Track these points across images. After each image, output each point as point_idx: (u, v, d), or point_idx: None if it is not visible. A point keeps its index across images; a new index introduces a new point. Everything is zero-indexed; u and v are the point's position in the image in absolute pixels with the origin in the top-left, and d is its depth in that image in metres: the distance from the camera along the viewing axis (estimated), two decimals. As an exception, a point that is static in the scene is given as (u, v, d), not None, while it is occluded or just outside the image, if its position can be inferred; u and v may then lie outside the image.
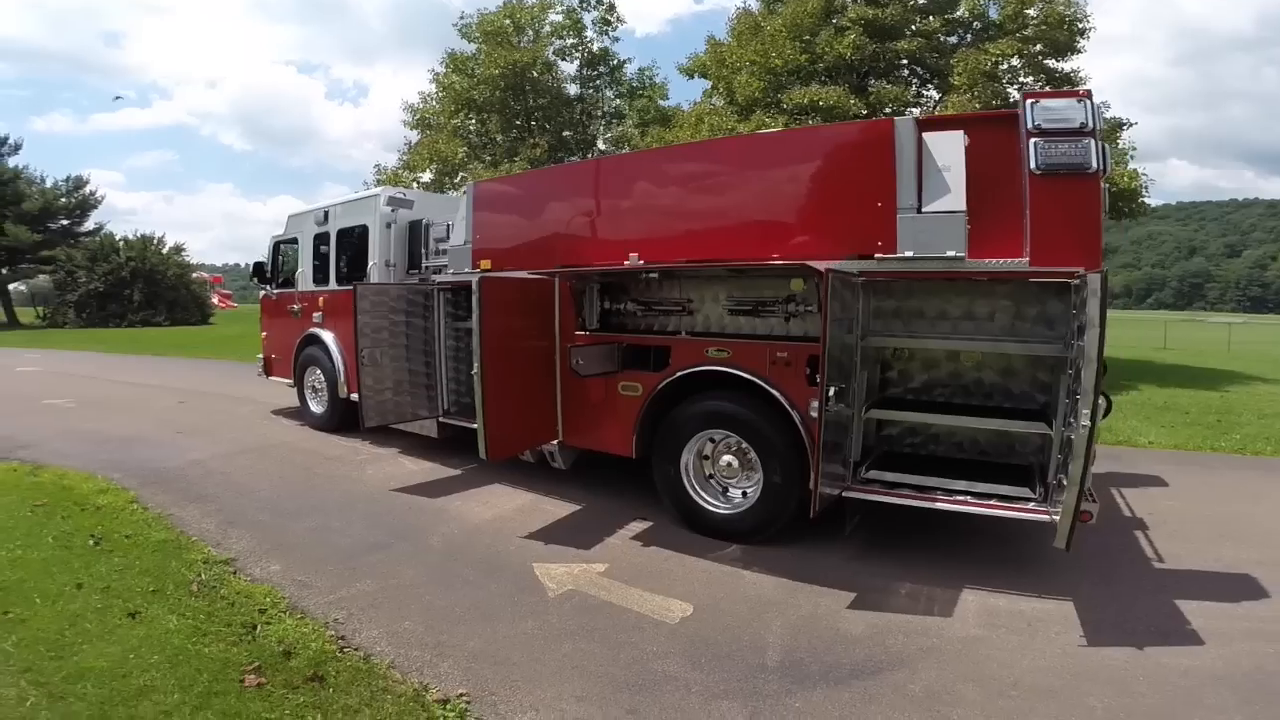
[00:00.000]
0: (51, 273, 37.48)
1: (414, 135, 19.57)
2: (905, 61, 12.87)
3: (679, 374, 4.65)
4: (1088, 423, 2.99)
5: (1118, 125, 12.33)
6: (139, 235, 39.88)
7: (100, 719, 2.48)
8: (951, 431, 4.34)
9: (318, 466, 6.92)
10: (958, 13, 12.70)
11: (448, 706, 2.64)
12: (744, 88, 12.59)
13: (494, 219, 5.96)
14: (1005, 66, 11.88)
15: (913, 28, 12.40)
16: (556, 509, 5.38)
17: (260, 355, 10.15)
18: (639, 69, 19.05)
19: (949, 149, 3.83)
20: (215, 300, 49.96)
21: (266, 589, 3.83)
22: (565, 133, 18.78)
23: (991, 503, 3.68)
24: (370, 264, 7.78)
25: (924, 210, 3.79)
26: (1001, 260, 3.74)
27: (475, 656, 3.08)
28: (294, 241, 9.24)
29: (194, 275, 44.77)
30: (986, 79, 11.74)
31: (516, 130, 18.91)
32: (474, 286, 4.65)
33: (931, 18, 12.37)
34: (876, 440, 4.56)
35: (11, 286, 41.51)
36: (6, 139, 38.78)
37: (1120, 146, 11.94)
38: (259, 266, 9.95)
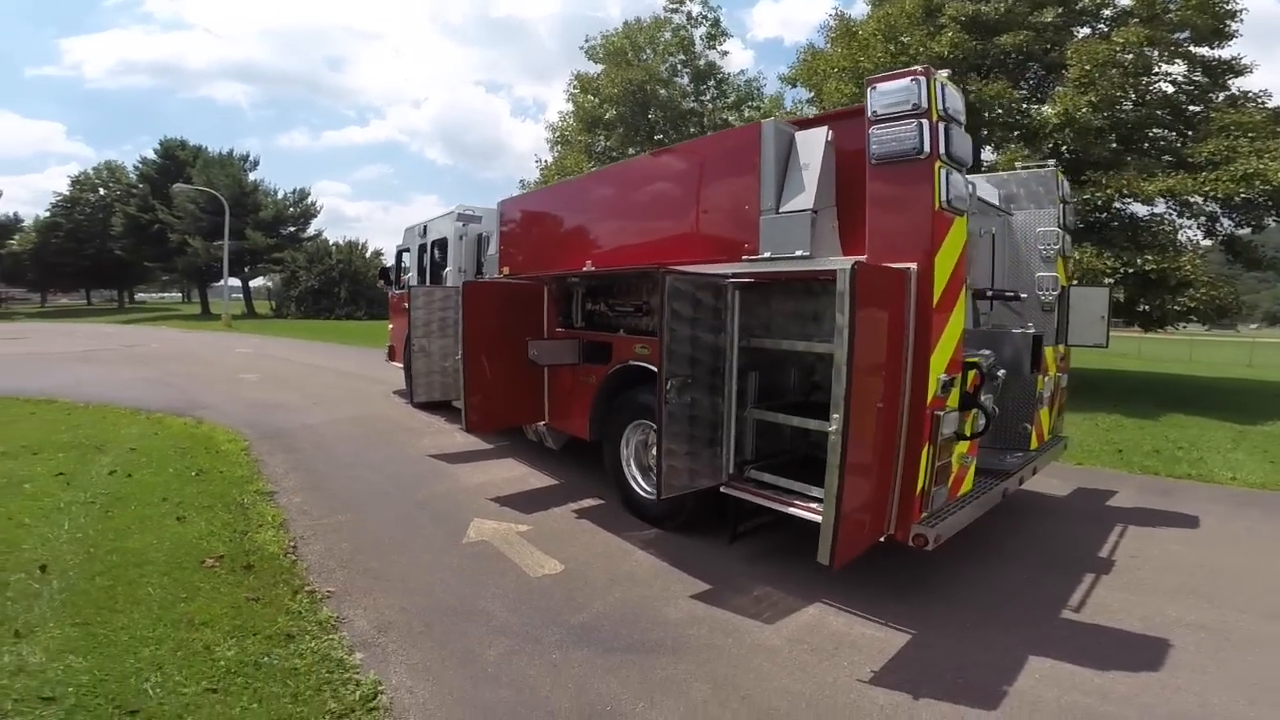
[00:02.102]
0: (280, 271, 45.64)
1: (549, 154, 21.58)
2: (1017, 56, 11.91)
3: (615, 368, 5.21)
4: (837, 427, 2.95)
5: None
6: (347, 241, 47.30)
7: (103, 573, 3.69)
8: None
9: (392, 434, 8.32)
10: (1079, 4, 11.47)
11: (313, 596, 3.53)
12: (832, 94, 12.45)
13: (512, 232, 6.90)
14: (1132, 56, 10.55)
15: (1026, 21, 11.44)
16: (537, 482, 6.16)
17: (388, 344, 12.16)
18: (747, 80, 19.32)
19: (811, 147, 3.84)
20: (407, 299, 57.29)
21: (277, 511, 5.04)
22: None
23: None
24: (446, 271, 9.16)
25: (781, 211, 3.88)
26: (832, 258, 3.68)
27: (364, 571, 3.95)
28: (409, 250, 11.02)
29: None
30: (1123, 72, 10.55)
31: (639, 145, 20.06)
32: (459, 289, 5.59)
33: (1044, 10, 11.30)
34: (806, 445, 4.71)
35: (252, 283, 51.20)
36: (248, 155, 48.22)
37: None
38: (384, 271, 11.97)
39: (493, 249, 7.45)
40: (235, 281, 46.48)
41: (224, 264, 32.71)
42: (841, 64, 12.47)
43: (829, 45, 13.73)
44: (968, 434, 3.62)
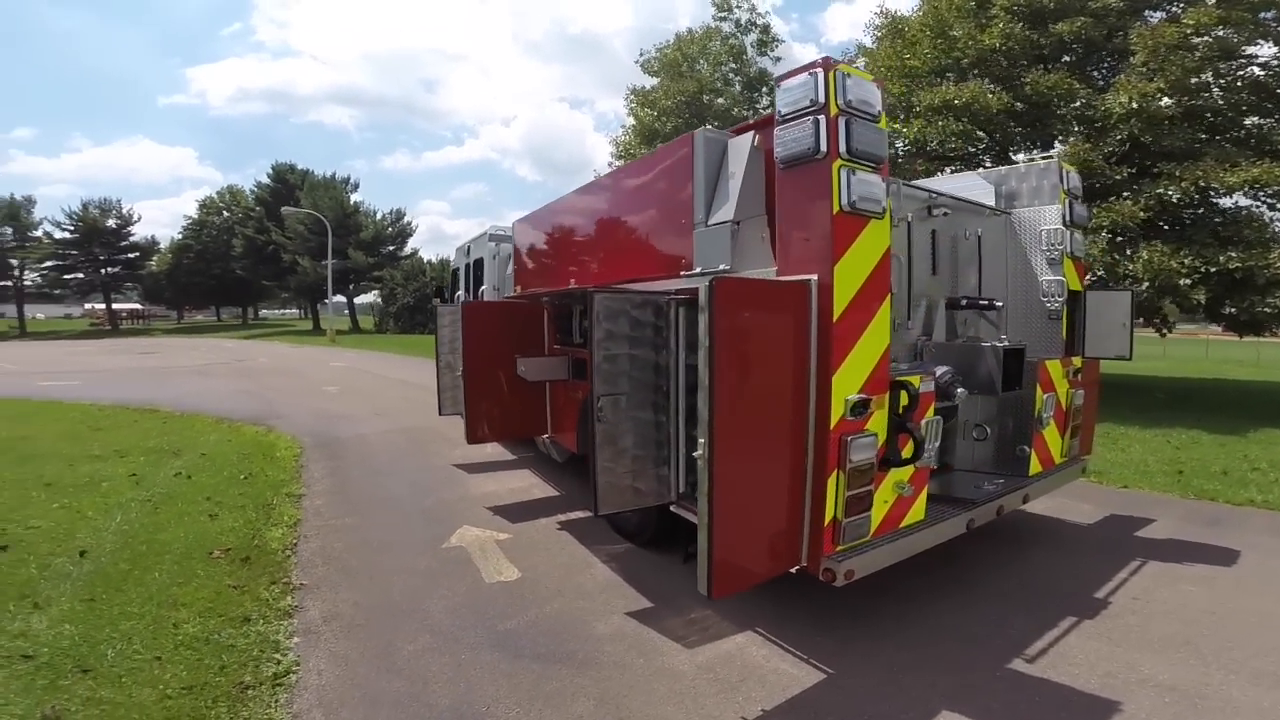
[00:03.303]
0: (380, 289, 49.08)
1: (607, 168, 22.16)
2: (1075, 45, 11.19)
3: (594, 384, 5.42)
4: (703, 451, 2.86)
5: None
6: (440, 259, 50.16)
7: (128, 559, 4.32)
8: None
9: (431, 444, 8.93)
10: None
11: (286, 587, 3.99)
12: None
13: (523, 250, 7.29)
14: (1209, 38, 9.68)
15: (1085, 7, 10.73)
16: (539, 493, 6.47)
17: (445, 359, 12.99)
18: None
19: (738, 155, 3.71)
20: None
21: (296, 512, 5.62)
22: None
23: None
24: (481, 289, 9.74)
25: (709, 224, 3.82)
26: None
27: (342, 569, 4.38)
28: (459, 269, 11.78)
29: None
30: (1195, 56, 9.72)
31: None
32: (460, 309, 6.02)
33: (1108, -7, 10.55)
34: None
35: (362, 299, 55.34)
36: (348, 178, 52.08)
37: None
38: (439, 289, 12.82)
39: (510, 268, 7.89)
40: (343, 299, 50.65)
41: (328, 282, 35.70)
42: (888, 63, 12.16)
43: (876, 44, 13.39)
44: (901, 460, 3.39)
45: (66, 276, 55.06)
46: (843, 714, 2.88)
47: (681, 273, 4.08)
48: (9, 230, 51.34)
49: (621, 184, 5.03)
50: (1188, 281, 9.38)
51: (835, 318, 3.13)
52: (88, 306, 68.40)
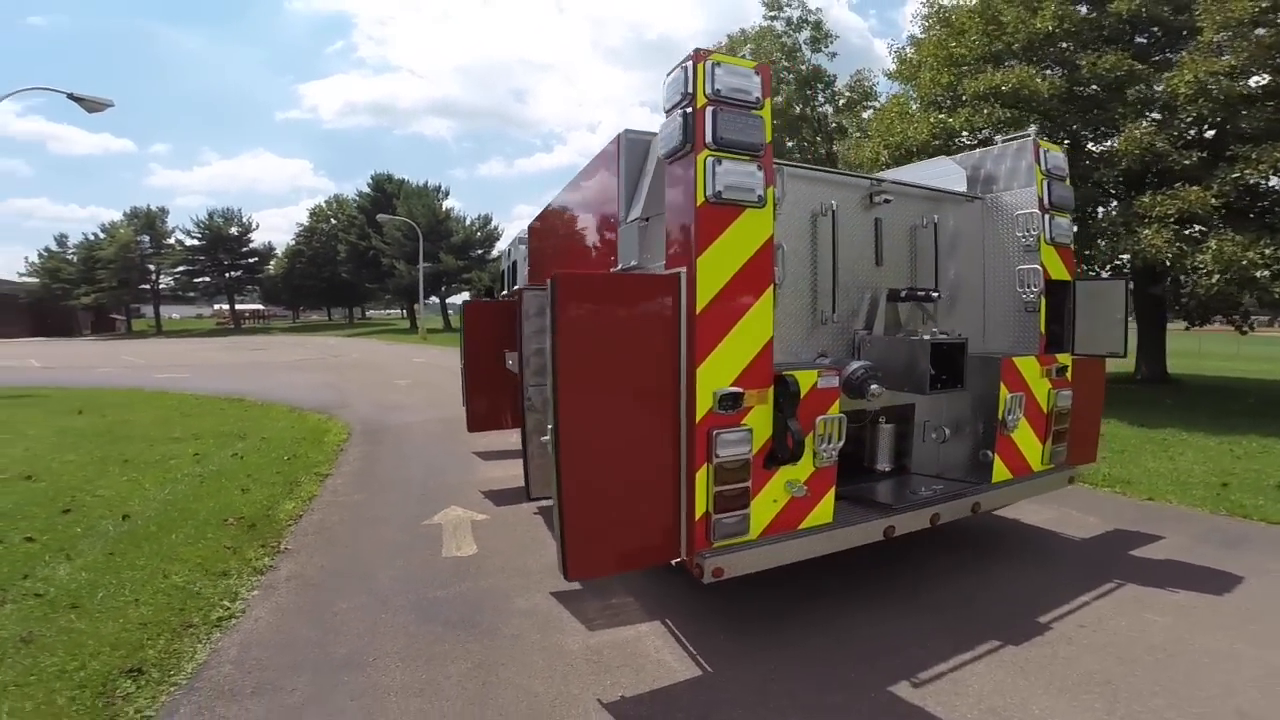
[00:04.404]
0: (470, 290, 51.70)
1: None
2: (1135, 23, 10.39)
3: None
4: (549, 438, 2.92)
5: None
6: (526, 260, 52.39)
7: (159, 523, 5.09)
8: None
9: (462, 433, 9.24)
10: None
11: (271, 550, 4.60)
12: (926, 85, 11.73)
13: (534, 249, 7.75)
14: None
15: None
16: (537, 480, 6.90)
17: (498, 355, 13.83)
18: (855, 78, 18.32)
19: (653, 154, 3.76)
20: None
21: (316, 489, 6.34)
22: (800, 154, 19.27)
23: None
24: (515, 287, 10.33)
25: (627, 221, 3.95)
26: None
27: (328, 538, 4.96)
28: (504, 272, 12.54)
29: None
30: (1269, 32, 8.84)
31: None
32: (462, 308, 6.54)
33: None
34: None
35: (459, 299, 58.74)
36: (439, 186, 55.15)
37: None
38: (489, 289, 13.64)
39: (527, 268, 8.39)
40: (437, 299, 53.87)
41: (419, 284, 38.15)
42: (935, 52, 11.75)
43: (925, 33, 12.93)
44: (789, 458, 3.30)
45: (196, 280, 61.96)
46: (693, 713, 2.87)
47: (610, 270, 4.32)
48: (147, 238, 58.34)
49: (582, 185, 5.30)
50: (1266, 274, 8.53)
51: (699, 309, 3.08)
52: (216, 307, 76.54)
